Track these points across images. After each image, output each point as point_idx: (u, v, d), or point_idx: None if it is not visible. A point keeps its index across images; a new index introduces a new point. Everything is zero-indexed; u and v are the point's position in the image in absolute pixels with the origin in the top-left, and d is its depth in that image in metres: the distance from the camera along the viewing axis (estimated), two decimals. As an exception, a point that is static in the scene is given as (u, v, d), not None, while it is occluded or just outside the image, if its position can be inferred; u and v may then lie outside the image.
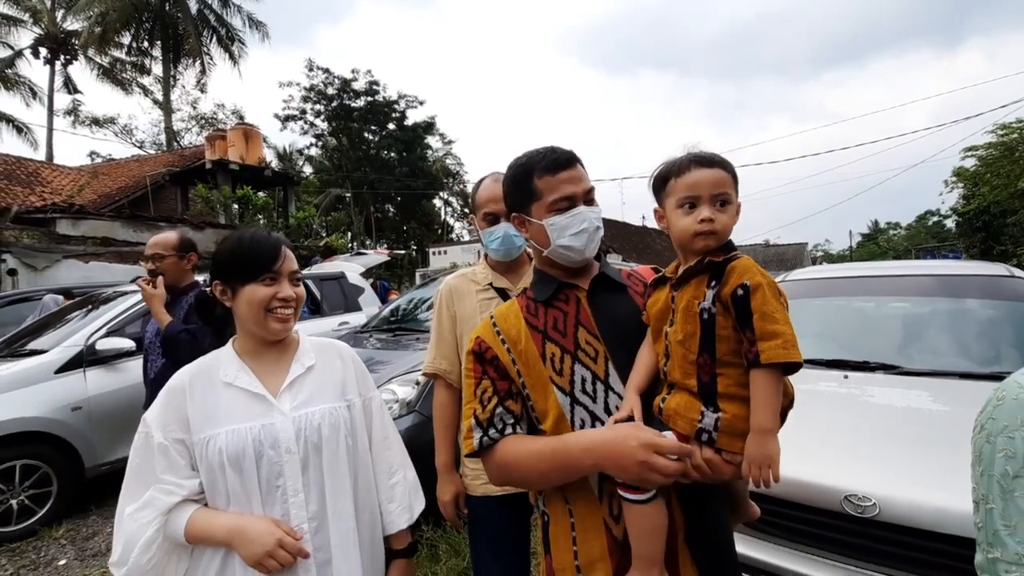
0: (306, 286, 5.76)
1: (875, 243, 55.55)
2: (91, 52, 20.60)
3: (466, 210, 32.12)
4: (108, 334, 3.80)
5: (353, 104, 26.32)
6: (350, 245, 19.08)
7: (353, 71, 25.93)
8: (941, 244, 38.00)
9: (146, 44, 21.39)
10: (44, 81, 21.19)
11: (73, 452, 3.59)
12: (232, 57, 21.63)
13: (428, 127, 28.36)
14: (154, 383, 2.24)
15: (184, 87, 24.05)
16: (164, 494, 1.03)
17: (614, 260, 18.87)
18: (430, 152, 29.47)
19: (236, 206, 12.53)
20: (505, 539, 1.59)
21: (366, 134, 27.26)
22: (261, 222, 13.29)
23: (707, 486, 0.92)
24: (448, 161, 31.21)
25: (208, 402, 1.09)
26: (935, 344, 2.44)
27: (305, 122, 26.67)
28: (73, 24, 20.71)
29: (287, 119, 26.42)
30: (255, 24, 21.50)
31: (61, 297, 6.01)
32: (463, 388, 1.07)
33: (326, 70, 25.63)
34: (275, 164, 21.38)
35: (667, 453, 0.85)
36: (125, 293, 4.50)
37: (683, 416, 0.89)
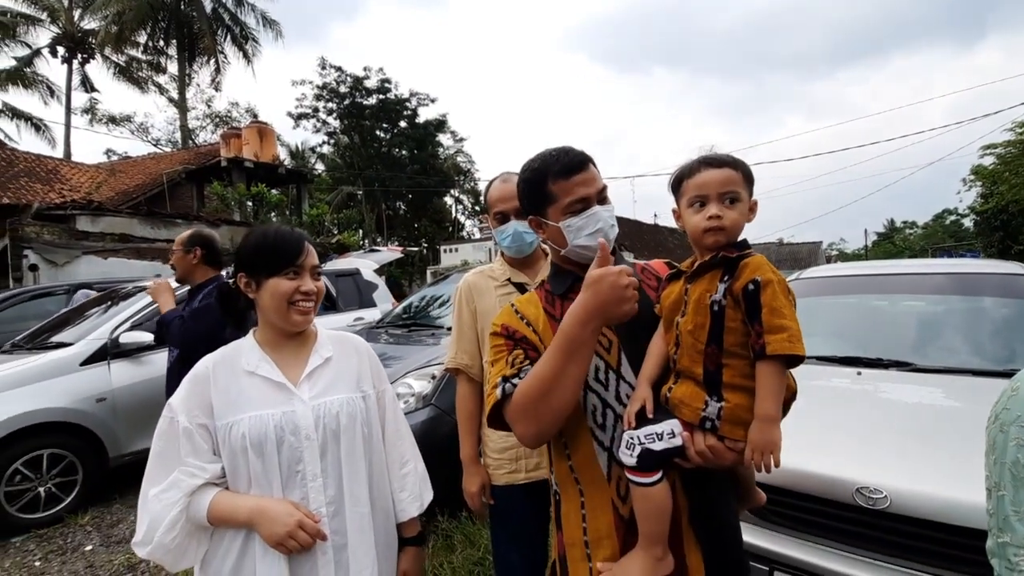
0: (321, 282, 5.86)
1: (891, 242, 54.79)
2: (108, 51, 20.96)
3: (477, 208, 32.24)
4: (132, 328, 3.90)
5: (365, 102, 26.47)
6: (362, 242, 19.22)
7: (365, 69, 26.08)
8: (959, 243, 37.39)
9: (162, 43, 21.70)
10: (62, 79, 21.61)
11: (98, 442, 3.71)
12: (246, 56, 21.89)
13: (439, 125, 28.43)
14: (168, 374, 2.35)
15: (199, 85, 24.41)
16: (188, 476, 1.08)
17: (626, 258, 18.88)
18: (441, 150, 29.58)
19: (250, 203, 12.69)
20: (526, 529, 1.64)
21: (378, 132, 27.40)
22: (274, 219, 13.45)
23: (710, 471, 0.96)
24: (459, 159, 31.32)
25: (231, 389, 1.14)
26: (948, 342, 2.44)
27: (318, 120, 26.90)
28: (90, 23, 21.10)
29: (300, 117, 26.65)
30: (268, 23, 21.74)
31: (93, 291, 6.17)
32: (490, 367, 1.08)
33: (338, 68, 25.81)
34: (288, 162, 21.62)
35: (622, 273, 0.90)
36: (145, 288, 4.61)
37: (688, 404, 0.93)
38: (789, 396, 0.97)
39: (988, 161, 19.13)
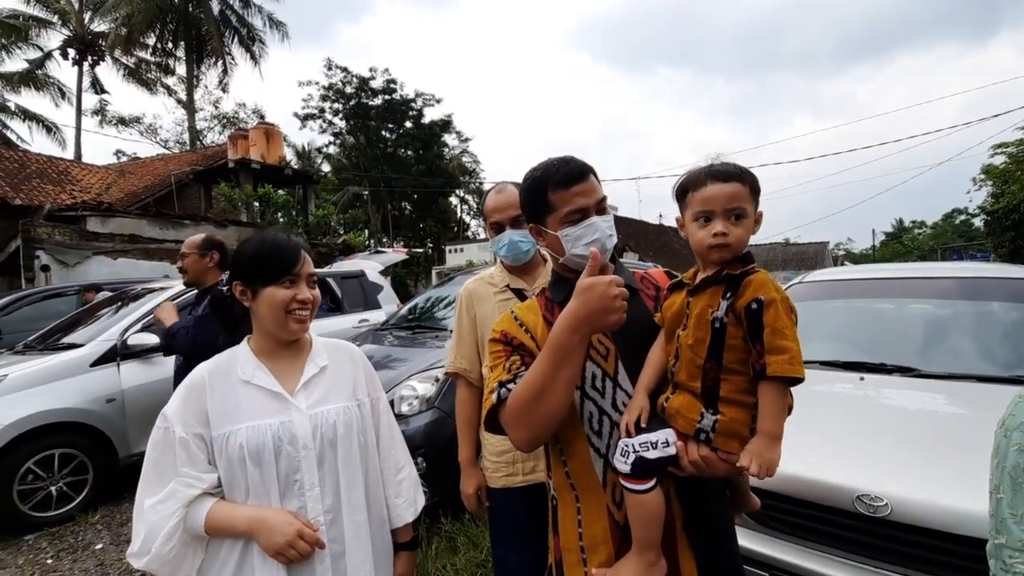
0: (327, 284, 5.90)
1: (899, 242, 54.29)
2: (117, 53, 21.18)
3: (482, 208, 32.31)
4: (142, 329, 3.96)
5: (371, 103, 26.60)
6: (368, 243, 19.30)
7: (371, 70, 26.23)
8: (969, 243, 36.98)
9: (170, 45, 21.88)
10: (72, 81, 21.85)
11: (107, 442, 3.76)
12: (253, 57, 22.04)
13: (445, 125, 28.52)
14: (176, 376, 2.40)
15: (207, 87, 24.58)
16: (185, 487, 1.07)
17: (631, 259, 18.78)
18: (447, 150, 29.64)
19: (257, 204, 12.78)
20: (523, 530, 1.65)
21: (383, 132, 27.52)
22: (281, 220, 13.53)
23: (704, 480, 0.98)
24: (464, 159, 31.37)
25: (227, 399, 1.14)
26: (953, 347, 2.43)
27: (324, 121, 27.07)
28: (100, 26, 21.30)
29: (306, 118, 26.84)
30: (275, 24, 21.87)
31: (108, 292, 6.27)
32: (489, 372, 1.10)
33: (344, 69, 25.96)
34: (294, 162, 21.75)
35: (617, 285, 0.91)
36: (154, 290, 4.67)
37: (684, 416, 0.94)
38: (786, 412, 0.98)
39: (999, 160, 18.94)
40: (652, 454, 0.93)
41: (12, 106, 20.17)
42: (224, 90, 23.91)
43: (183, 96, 23.56)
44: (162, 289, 4.54)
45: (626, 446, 0.95)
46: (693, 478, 0.96)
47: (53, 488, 3.53)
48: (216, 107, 26.78)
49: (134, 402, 3.85)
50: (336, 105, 26.68)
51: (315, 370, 1.23)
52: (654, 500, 0.94)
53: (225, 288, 1.26)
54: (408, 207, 29.89)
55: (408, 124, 27.42)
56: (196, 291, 2.60)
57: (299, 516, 1.12)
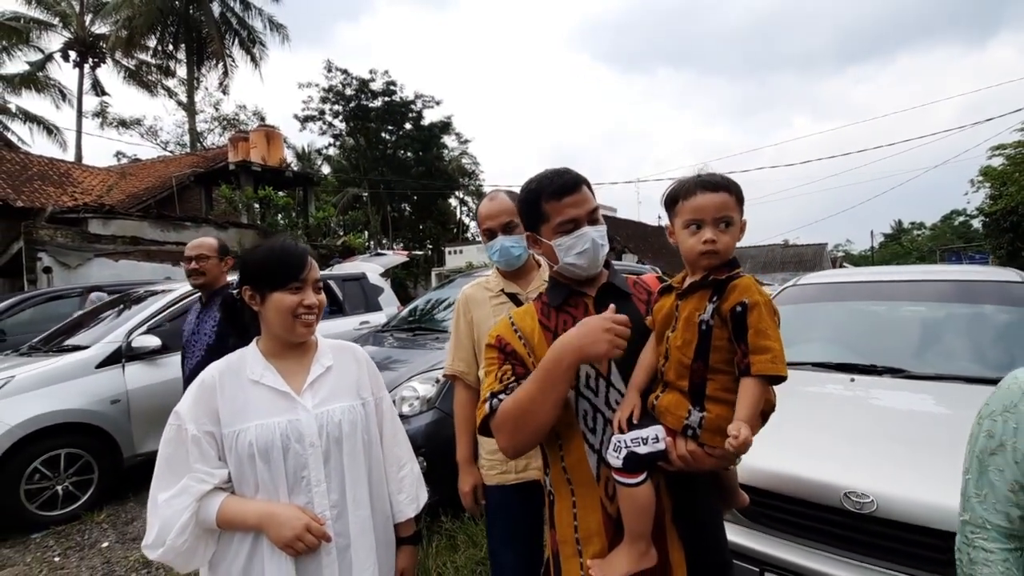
0: (328, 286, 5.95)
1: (898, 243, 54.35)
2: (118, 55, 21.24)
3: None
4: (148, 331, 4.02)
5: (370, 104, 26.59)
6: (367, 244, 19.35)
7: (371, 72, 26.21)
8: (967, 245, 37.03)
9: (171, 47, 21.93)
10: (73, 83, 21.92)
11: (112, 442, 3.82)
12: (253, 59, 22.08)
13: (444, 127, 28.52)
14: (189, 380, 2.39)
15: (207, 89, 24.61)
16: (197, 482, 1.12)
17: (630, 260, 18.79)
18: (446, 152, 29.66)
19: (257, 206, 12.84)
20: (518, 527, 1.72)
21: (383, 134, 27.52)
22: (281, 221, 13.59)
23: (691, 475, 1.03)
24: (464, 160, 31.39)
25: (237, 398, 1.19)
26: (942, 349, 2.48)
27: (324, 122, 27.03)
28: (101, 28, 21.38)
29: (306, 120, 26.81)
30: (275, 27, 21.91)
31: (105, 294, 6.31)
32: (483, 378, 1.17)
33: (344, 71, 25.94)
34: (294, 164, 21.80)
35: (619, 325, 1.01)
36: (157, 292, 4.72)
37: (672, 413, 1.00)
38: (768, 408, 1.03)
39: (997, 162, 19.01)
40: (643, 449, 0.99)
41: (13, 108, 20.25)
42: (224, 92, 23.99)
43: (183, 98, 23.62)
44: (165, 291, 4.60)
45: (618, 442, 1.01)
46: (681, 473, 1.02)
47: (59, 487, 3.59)
48: (216, 109, 26.85)
49: (138, 403, 3.90)
50: (336, 107, 26.69)
51: (321, 370, 1.28)
52: (645, 493, 1.00)
53: (235, 292, 1.31)
54: (408, 209, 29.91)
55: (408, 126, 27.43)
56: (201, 293, 2.62)
57: (306, 511, 1.17)
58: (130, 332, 3.99)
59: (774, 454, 1.72)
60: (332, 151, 29.07)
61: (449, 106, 78.69)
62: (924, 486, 1.54)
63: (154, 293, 4.70)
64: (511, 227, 1.69)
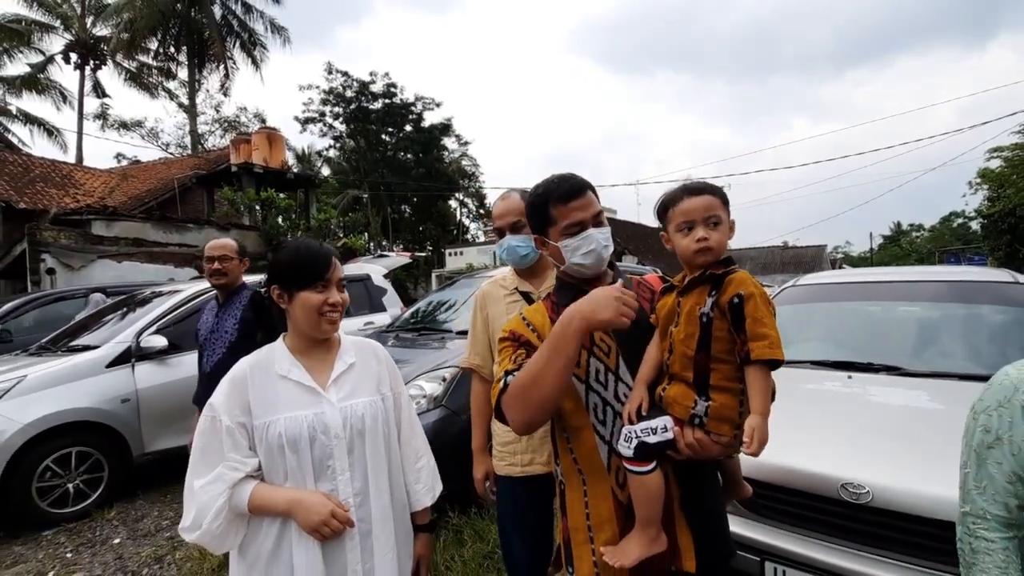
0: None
1: (897, 245, 54.46)
2: (119, 57, 21.29)
3: (481, 211, 32.43)
4: (157, 331, 4.07)
5: (371, 106, 26.66)
6: (368, 246, 19.39)
7: (371, 74, 26.28)
8: (966, 246, 37.12)
9: (172, 49, 21.97)
10: (74, 85, 21.95)
11: (122, 441, 3.87)
12: (254, 61, 22.15)
13: (444, 129, 28.60)
14: (211, 376, 2.43)
15: (208, 91, 24.65)
16: (231, 470, 1.19)
17: (630, 261, 18.85)
18: (446, 153, 29.72)
19: (259, 207, 12.89)
20: (525, 516, 1.79)
21: (383, 136, 27.59)
22: (281, 223, 13.61)
23: (698, 463, 1.10)
24: (464, 162, 31.45)
25: (267, 391, 1.25)
26: (937, 347, 2.55)
27: (324, 124, 27.10)
28: (102, 30, 21.42)
29: (306, 121, 26.87)
30: (277, 29, 21.97)
31: (101, 296, 6.36)
32: (496, 367, 1.22)
33: (345, 73, 26.02)
34: (294, 165, 21.85)
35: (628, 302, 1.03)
36: (163, 293, 4.78)
37: (679, 403, 1.07)
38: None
39: (995, 164, 19.12)
40: (652, 439, 1.05)
41: (14, 110, 20.30)
42: (225, 94, 24.05)
43: (185, 100, 23.67)
44: (172, 292, 4.65)
45: (629, 432, 1.07)
46: (689, 461, 1.08)
47: (70, 485, 3.64)
48: (217, 111, 26.87)
49: (148, 402, 3.96)
50: (336, 109, 26.76)
51: (344, 367, 1.35)
52: (655, 481, 1.06)
53: (263, 291, 1.38)
54: (408, 210, 29.97)
55: (408, 128, 27.50)
56: (218, 293, 2.63)
57: (332, 498, 1.23)
58: (139, 332, 4.05)
59: (774, 448, 1.75)
60: (332, 153, 29.15)
61: (449, 108, 78.90)
62: (918, 477, 1.60)
63: (160, 294, 4.76)
64: (518, 227, 1.75)
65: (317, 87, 26.31)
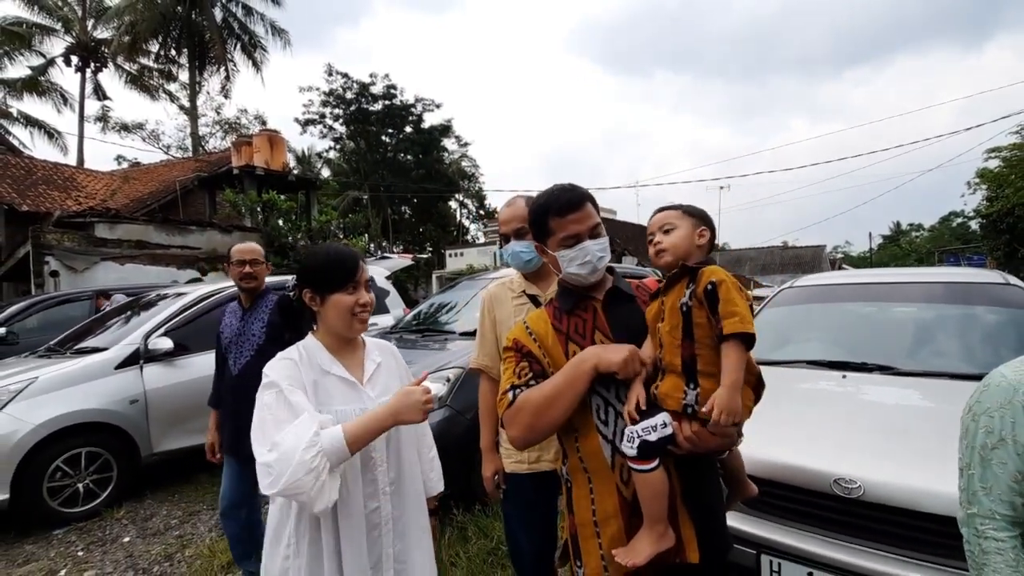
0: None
1: (897, 245, 54.58)
2: (120, 60, 21.36)
3: (481, 212, 32.51)
4: (165, 333, 4.14)
5: (371, 108, 26.74)
6: (368, 247, 19.45)
7: (371, 75, 26.39)
8: (965, 246, 37.18)
9: (173, 52, 22.06)
10: (75, 88, 22.02)
11: (130, 441, 3.93)
12: (255, 63, 22.23)
13: (444, 130, 28.68)
14: (239, 378, 2.39)
15: (209, 93, 24.73)
16: (310, 415, 1.18)
17: (629, 262, 18.88)
18: (446, 154, 29.79)
19: (260, 209, 12.95)
20: (531, 513, 1.85)
21: (383, 137, 27.67)
22: (283, 225, 13.66)
23: (698, 457, 1.16)
24: (464, 163, 31.53)
25: (317, 382, 1.32)
26: (930, 347, 2.61)
27: (324, 126, 27.19)
28: (103, 33, 21.50)
29: (307, 123, 26.96)
30: (277, 31, 22.05)
31: (123, 296, 6.45)
32: (502, 375, 1.30)
33: (345, 75, 26.10)
34: (295, 167, 21.91)
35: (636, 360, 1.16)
36: (168, 295, 4.84)
37: (671, 396, 1.13)
38: (756, 382, 1.18)
39: (993, 164, 19.20)
40: (653, 436, 1.11)
41: (14, 112, 20.36)
42: (226, 96, 24.21)
43: (185, 102, 23.74)
44: (179, 295, 4.71)
45: (631, 433, 1.13)
46: (689, 455, 1.14)
47: (80, 485, 3.70)
48: (218, 113, 26.95)
49: (156, 403, 4.02)
50: (336, 110, 26.84)
51: (374, 366, 1.44)
52: (659, 478, 1.12)
53: (292, 294, 1.45)
54: (408, 211, 30.04)
55: (408, 129, 27.57)
56: (243, 296, 2.60)
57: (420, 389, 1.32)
58: (148, 334, 4.11)
59: (770, 444, 1.85)
60: (332, 154, 29.23)
61: (449, 109, 78.97)
62: (908, 472, 1.67)
63: (165, 296, 4.83)
64: (522, 233, 1.81)
65: (317, 89, 26.43)
